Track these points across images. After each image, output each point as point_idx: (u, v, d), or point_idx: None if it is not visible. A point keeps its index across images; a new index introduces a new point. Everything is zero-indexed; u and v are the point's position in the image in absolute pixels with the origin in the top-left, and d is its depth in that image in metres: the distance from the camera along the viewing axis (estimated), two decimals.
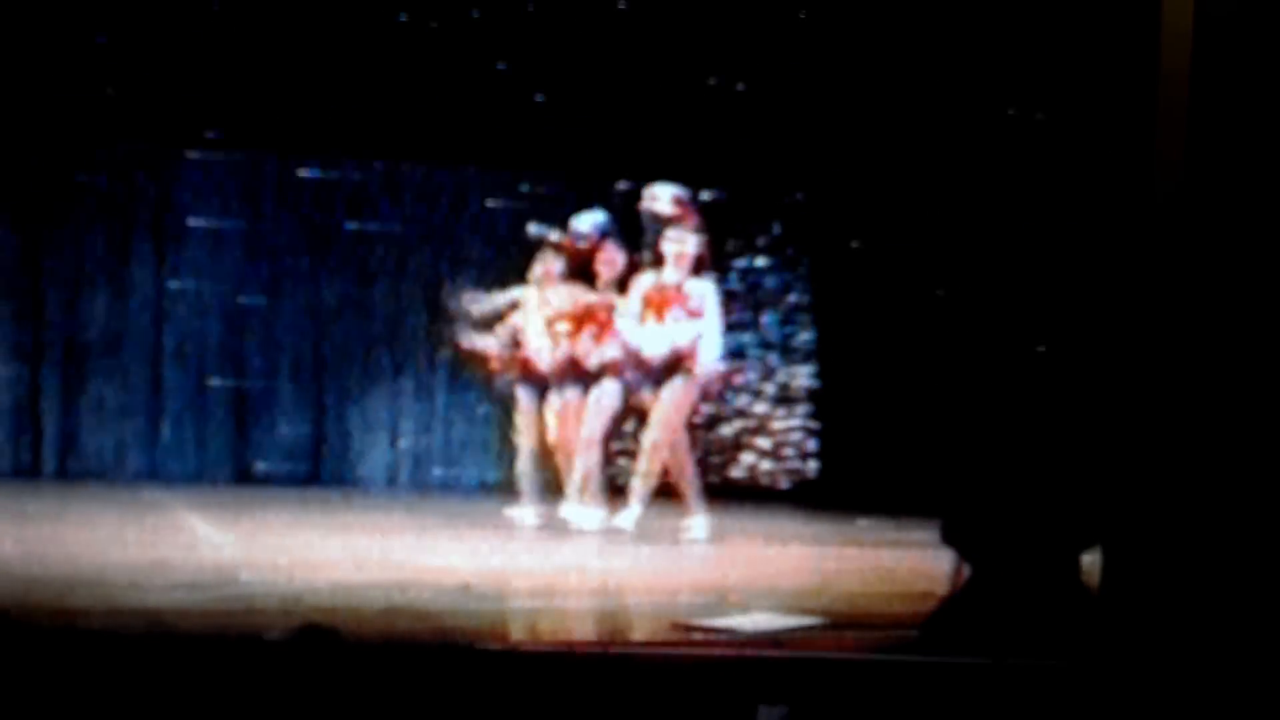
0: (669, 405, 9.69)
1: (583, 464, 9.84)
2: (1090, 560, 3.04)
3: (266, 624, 6.44)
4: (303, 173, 11.55)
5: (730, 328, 12.05)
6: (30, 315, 11.56)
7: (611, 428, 9.92)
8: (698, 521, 9.74)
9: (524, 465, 10.11)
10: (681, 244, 9.69)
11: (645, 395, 9.77)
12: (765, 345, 11.92)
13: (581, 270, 10.11)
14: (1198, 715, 4.24)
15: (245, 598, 7.03)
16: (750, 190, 11.60)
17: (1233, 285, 4.97)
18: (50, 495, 10.66)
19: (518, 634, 6.70)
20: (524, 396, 10.16)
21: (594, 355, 9.91)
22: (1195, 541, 4.82)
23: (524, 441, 10.16)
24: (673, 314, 9.70)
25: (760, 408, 11.81)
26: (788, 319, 11.82)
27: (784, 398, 11.79)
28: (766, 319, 11.94)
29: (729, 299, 11.99)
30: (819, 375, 11.52)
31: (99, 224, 11.69)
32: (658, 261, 9.75)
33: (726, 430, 12.02)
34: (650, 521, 9.96)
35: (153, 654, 5.57)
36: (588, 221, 10.09)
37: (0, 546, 8.29)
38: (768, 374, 11.82)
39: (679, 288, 9.71)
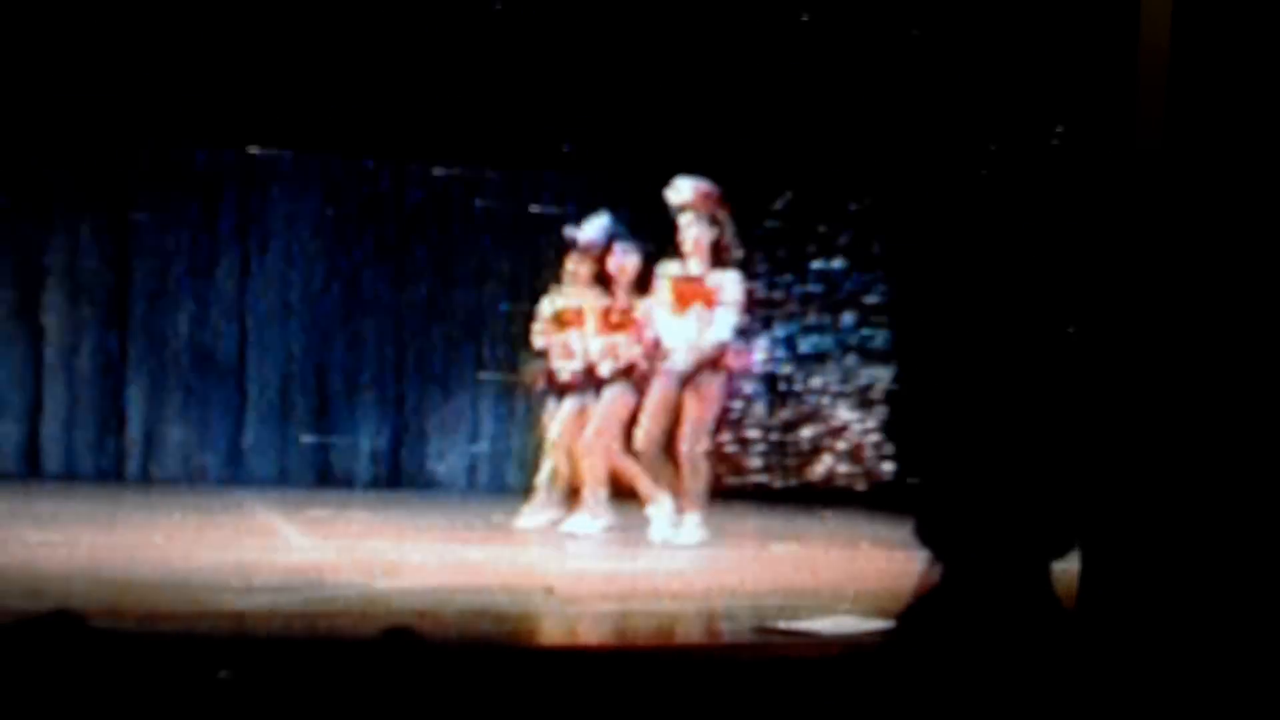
0: (704, 403, 9.48)
1: (590, 468, 9.76)
2: (1062, 568, 3.01)
3: (350, 627, 6.47)
4: (384, 179, 11.63)
5: (808, 329, 12.05)
6: (116, 322, 11.69)
7: (620, 433, 9.79)
8: (691, 520, 9.63)
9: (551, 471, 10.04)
10: (695, 232, 9.47)
11: (673, 394, 9.50)
12: (843, 347, 11.88)
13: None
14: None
15: (328, 600, 7.04)
16: (827, 194, 11.59)
17: (1218, 283, 4.92)
18: (135, 498, 10.79)
19: (600, 637, 6.71)
20: (553, 403, 10.15)
21: (608, 359, 9.82)
22: (1177, 545, 4.78)
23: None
24: (695, 309, 9.50)
25: (838, 411, 11.78)
26: (865, 320, 11.78)
27: (863, 401, 11.74)
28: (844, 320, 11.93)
29: (807, 301, 12.00)
30: (895, 378, 11.45)
31: (184, 232, 11.82)
32: (680, 252, 9.58)
33: (805, 433, 12.00)
34: (725, 524, 9.97)
35: (237, 657, 5.59)
36: (594, 227, 10.00)
37: (88, 550, 8.37)
38: (846, 376, 11.78)
39: (702, 280, 9.52)
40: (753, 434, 12.39)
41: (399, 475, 11.75)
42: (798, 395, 12.23)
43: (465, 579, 8.15)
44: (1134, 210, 5.04)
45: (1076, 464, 3.10)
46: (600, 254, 9.92)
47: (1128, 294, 5.03)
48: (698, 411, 9.47)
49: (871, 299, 11.81)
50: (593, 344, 9.88)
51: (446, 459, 11.96)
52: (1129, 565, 4.77)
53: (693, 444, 9.50)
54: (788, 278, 12.15)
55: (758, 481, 12.45)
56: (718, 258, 9.52)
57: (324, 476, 12.18)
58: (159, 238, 11.82)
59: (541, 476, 10.00)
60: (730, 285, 9.51)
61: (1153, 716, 2.95)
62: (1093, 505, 4.85)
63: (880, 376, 11.67)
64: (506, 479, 12.06)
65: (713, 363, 9.47)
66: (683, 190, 9.54)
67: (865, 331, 11.86)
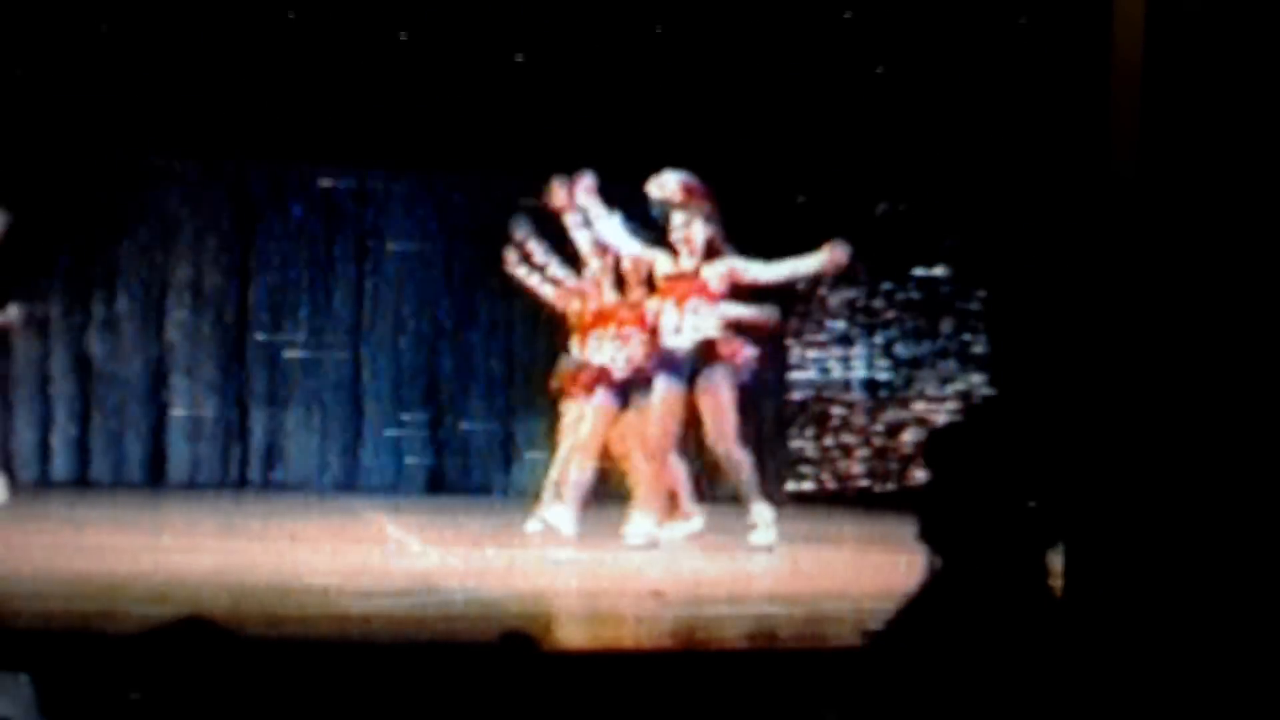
0: (722, 401, 9.29)
1: (654, 473, 9.52)
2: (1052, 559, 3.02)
3: (465, 631, 6.60)
4: (493, 197, 11.74)
5: (908, 335, 12.06)
6: (238, 336, 11.91)
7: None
8: (695, 522, 9.54)
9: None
10: (687, 229, 9.26)
11: (680, 392, 9.31)
12: (942, 353, 11.86)
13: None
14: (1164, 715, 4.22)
15: (444, 605, 7.16)
16: (925, 201, 11.60)
17: (1199, 280, 4.91)
18: (256, 506, 10.97)
19: (712, 639, 6.76)
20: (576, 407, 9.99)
21: (619, 359, 9.69)
22: (1161, 541, 4.78)
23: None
24: (692, 304, 9.30)
25: (938, 417, 11.77)
26: (964, 326, 11.75)
27: (962, 406, 11.72)
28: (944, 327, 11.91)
29: (907, 307, 12.01)
30: (992, 383, 11.40)
31: (303, 249, 12.02)
32: (671, 249, 9.37)
33: (906, 438, 12.00)
34: (826, 529, 9.98)
35: (355, 661, 5.73)
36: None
37: (212, 556, 8.56)
38: (945, 381, 11.77)
39: (695, 274, 9.30)
40: (853, 439, 12.43)
41: (508, 483, 11.89)
42: (898, 400, 12.24)
43: (577, 583, 8.28)
44: (1115, 211, 5.05)
45: (1066, 455, 3.13)
46: (616, 253, 9.70)
47: (1113, 293, 5.04)
48: (711, 409, 9.30)
49: (970, 305, 11.80)
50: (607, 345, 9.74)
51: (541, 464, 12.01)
52: (1113, 560, 4.78)
53: (723, 442, 9.35)
54: (888, 284, 12.18)
55: (859, 486, 12.45)
56: (709, 252, 9.32)
57: (437, 484, 12.35)
58: (279, 255, 12.04)
59: (554, 477, 9.87)
60: (721, 279, 9.30)
61: (1139, 709, 2.96)
62: (1077, 499, 4.84)
63: (978, 382, 11.65)
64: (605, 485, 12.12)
65: (709, 357, 9.29)
66: (667, 185, 9.35)
67: (965, 337, 11.84)
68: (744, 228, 12.03)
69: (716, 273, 9.29)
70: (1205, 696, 4.37)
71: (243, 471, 12.04)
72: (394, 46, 10.44)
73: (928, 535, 2.96)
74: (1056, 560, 3.03)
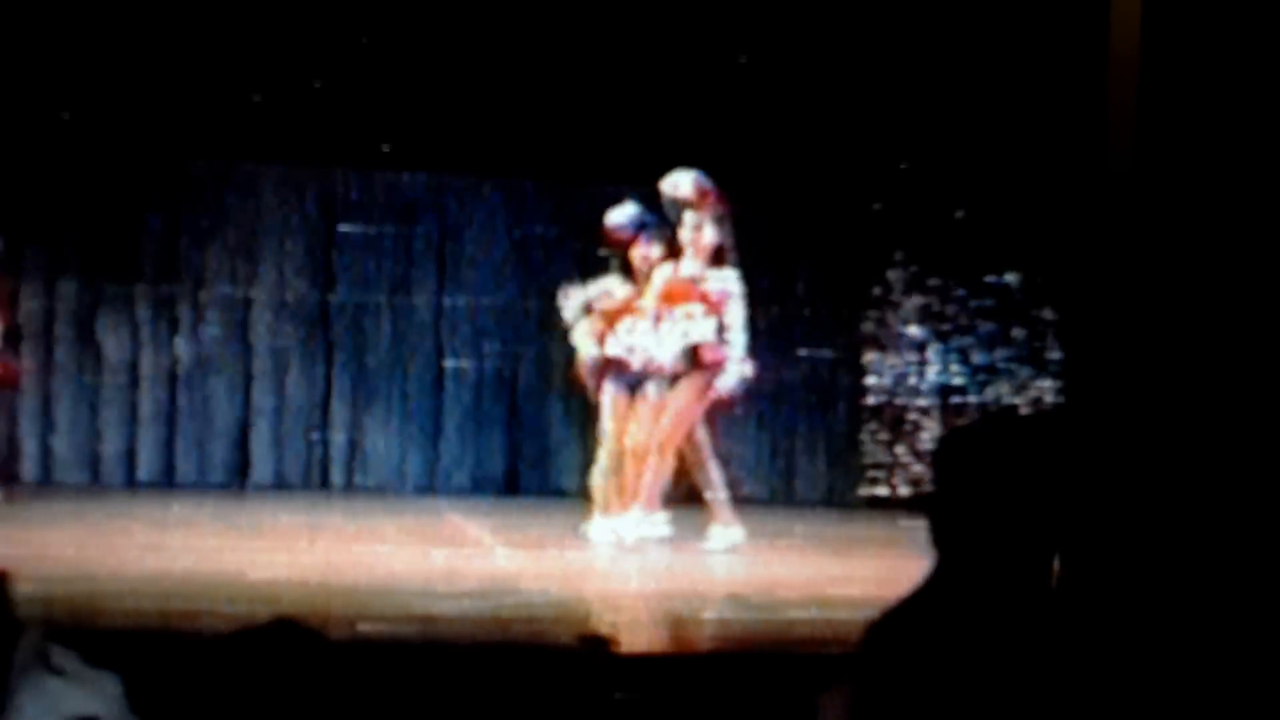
0: (681, 405, 9.17)
1: (664, 466, 9.40)
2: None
3: (545, 633, 6.66)
4: (574, 199, 11.80)
5: (981, 341, 12.03)
6: (321, 338, 12.03)
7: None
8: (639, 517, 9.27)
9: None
10: (697, 230, 9.12)
11: (657, 393, 9.25)
12: (1016, 359, 11.83)
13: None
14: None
15: (525, 606, 7.21)
16: (1001, 207, 11.57)
17: (1198, 281, 4.89)
18: (339, 507, 11.09)
19: (790, 641, 6.77)
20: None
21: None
22: (1158, 542, 4.76)
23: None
24: (686, 308, 9.16)
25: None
26: (1037, 333, 11.71)
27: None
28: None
29: (980, 313, 11.99)
30: (1063, 391, 11.35)
31: (385, 251, 12.13)
32: (678, 251, 9.25)
33: None
34: (904, 534, 9.98)
35: (438, 661, 5.80)
36: (622, 213, 9.58)
37: (293, 557, 8.66)
38: (1019, 388, 11.73)
39: (697, 280, 9.16)
40: (927, 445, 12.43)
41: (588, 484, 11.93)
42: (972, 406, 12.21)
43: (655, 585, 8.32)
44: (1111, 216, 5.03)
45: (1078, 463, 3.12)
46: (627, 243, 9.56)
47: (1109, 296, 5.02)
48: (674, 405, 9.18)
49: (1044, 313, 11.76)
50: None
51: None
52: (1110, 564, 4.77)
53: (663, 435, 9.17)
54: (961, 290, 12.17)
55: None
56: (717, 258, 9.19)
57: (515, 485, 12.43)
58: (361, 257, 12.16)
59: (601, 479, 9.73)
60: (732, 289, 9.18)
61: (1135, 711, 2.95)
62: (1074, 503, 4.81)
63: (1050, 388, 11.61)
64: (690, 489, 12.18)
65: (694, 362, 9.16)
66: (682, 185, 9.20)
67: (1037, 344, 11.81)
68: (826, 235, 12.11)
69: (717, 284, 9.18)
70: (1206, 697, 4.37)
71: (325, 474, 12.17)
72: (476, 53, 10.53)
73: (936, 538, 2.97)
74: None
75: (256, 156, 11.74)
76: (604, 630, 6.45)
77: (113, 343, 11.85)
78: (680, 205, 9.21)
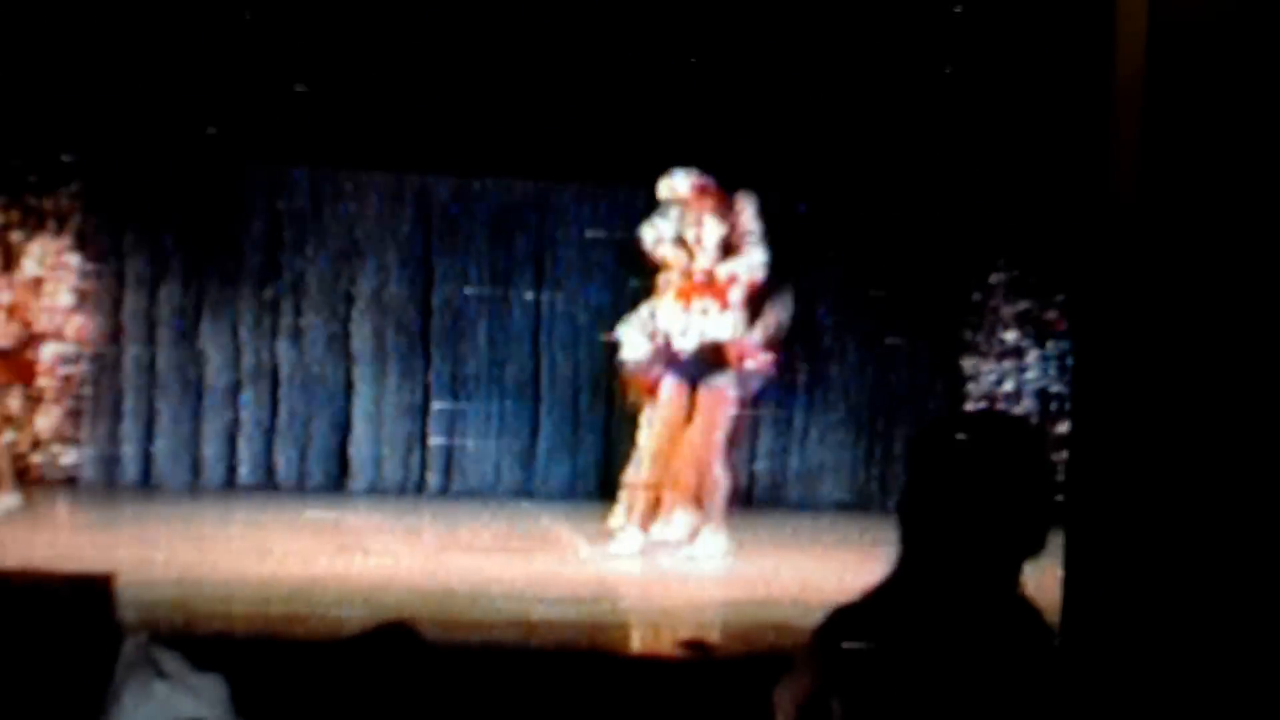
0: (712, 405, 9.06)
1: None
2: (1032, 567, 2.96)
3: (641, 639, 6.65)
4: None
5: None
6: (420, 344, 12.09)
7: None
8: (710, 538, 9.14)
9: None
10: (699, 228, 9.07)
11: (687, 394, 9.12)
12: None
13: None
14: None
15: (620, 612, 7.20)
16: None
17: (1196, 283, 4.84)
18: (436, 511, 11.13)
19: None
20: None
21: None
22: (1163, 545, 4.71)
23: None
24: (701, 304, 9.08)
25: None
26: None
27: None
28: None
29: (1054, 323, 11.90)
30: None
31: (482, 257, 12.18)
32: (686, 250, 9.16)
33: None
34: None
35: (532, 667, 5.80)
36: (654, 230, 9.48)
37: (392, 560, 8.71)
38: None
39: (708, 275, 9.09)
40: None
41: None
42: (1070, 412, 12.10)
43: (749, 592, 8.29)
44: (1114, 218, 5.01)
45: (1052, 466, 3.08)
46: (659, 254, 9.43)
47: (1110, 298, 4.99)
48: (706, 414, 9.07)
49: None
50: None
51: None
52: (1114, 568, 4.72)
53: (706, 455, 9.06)
54: (1060, 295, 12.08)
55: None
56: (725, 254, 9.10)
57: (610, 491, 12.43)
58: (460, 261, 12.20)
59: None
60: (739, 281, 9.07)
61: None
62: (1077, 506, 4.78)
63: None
64: (785, 494, 12.16)
65: (719, 361, 9.07)
66: (678, 185, 9.19)
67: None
68: (925, 240, 12.04)
69: (727, 274, 9.08)
70: (1207, 698, 4.31)
71: (422, 477, 12.23)
72: (577, 56, 10.56)
73: (904, 534, 2.92)
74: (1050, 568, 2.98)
75: (358, 163, 11.82)
76: (701, 637, 6.44)
77: (214, 345, 11.96)
78: (680, 205, 9.21)
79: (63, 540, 9.08)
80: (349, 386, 12.13)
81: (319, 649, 4.93)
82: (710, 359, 9.10)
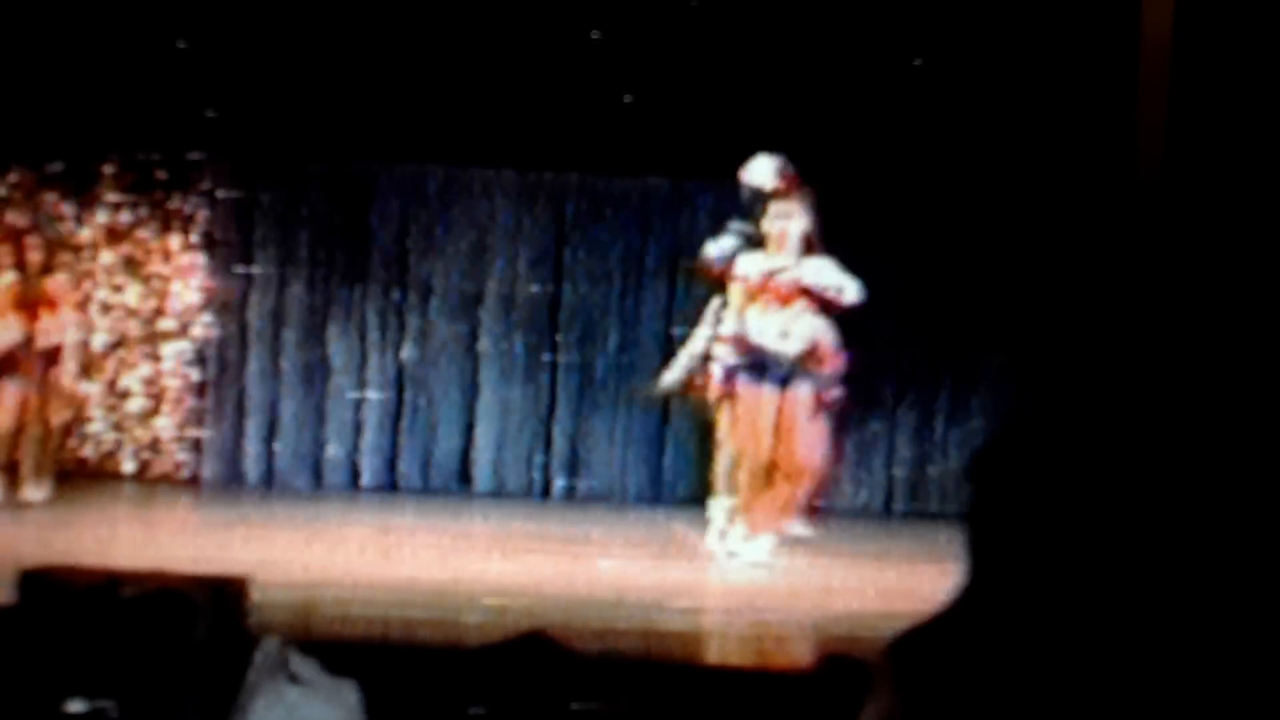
0: (811, 408, 8.86)
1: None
2: None
3: (781, 652, 6.51)
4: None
5: None
6: (548, 347, 12.00)
7: None
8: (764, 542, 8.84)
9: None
10: (785, 220, 8.66)
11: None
12: None
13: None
14: None
15: (758, 624, 7.07)
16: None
17: (1220, 286, 4.69)
18: (560, 516, 11.00)
19: None
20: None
21: None
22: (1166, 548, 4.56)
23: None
24: (797, 307, 8.73)
25: None
26: None
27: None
28: None
29: None
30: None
31: (614, 260, 12.06)
32: (763, 243, 8.78)
33: None
34: None
35: (672, 679, 5.67)
36: (717, 246, 9.12)
37: (521, 566, 8.59)
38: None
39: (791, 274, 8.70)
40: None
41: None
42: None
43: (884, 605, 8.07)
44: (1131, 220, 4.95)
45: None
46: (720, 275, 9.14)
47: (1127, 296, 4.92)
48: (805, 417, 8.84)
49: None
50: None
51: (863, 482, 11.84)
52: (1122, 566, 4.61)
53: (805, 451, 8.82)
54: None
55: None
56: (807, 248, 8.75)
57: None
58: (590, 263, 12.06)
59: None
60: (821, 278, 8.71)
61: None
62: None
63: None
64: (928, 503, 11.87)
65: (809, 364, 8.83)
66: (764, 174, 8.81)
67: None
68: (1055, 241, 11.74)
69: (813, 274, 8.74)
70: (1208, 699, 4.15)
71: (546, 481, 12.11)
72: (711, 54, 10.47)
73: (974, 551, 2.85)
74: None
75: (487, 162, 11.75)
76: (845, 649, 6.24)
77: (340, 346, 11.89)
78: (763, 196, 8.84)
79: (185, 542, 9.01)
80: (474, 389, 12.04)
81: (454, 656, 4.80)
82: (801, 362, 8.83)
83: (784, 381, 8.86)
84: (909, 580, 8.64)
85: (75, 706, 4.24)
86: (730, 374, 9.02)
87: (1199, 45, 4.88)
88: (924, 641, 2.83)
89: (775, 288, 8.76)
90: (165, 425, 11.68)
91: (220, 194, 11.71)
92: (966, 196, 11.35)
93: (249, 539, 9.01)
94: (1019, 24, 10.12)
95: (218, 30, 10.84)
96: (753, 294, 8.79)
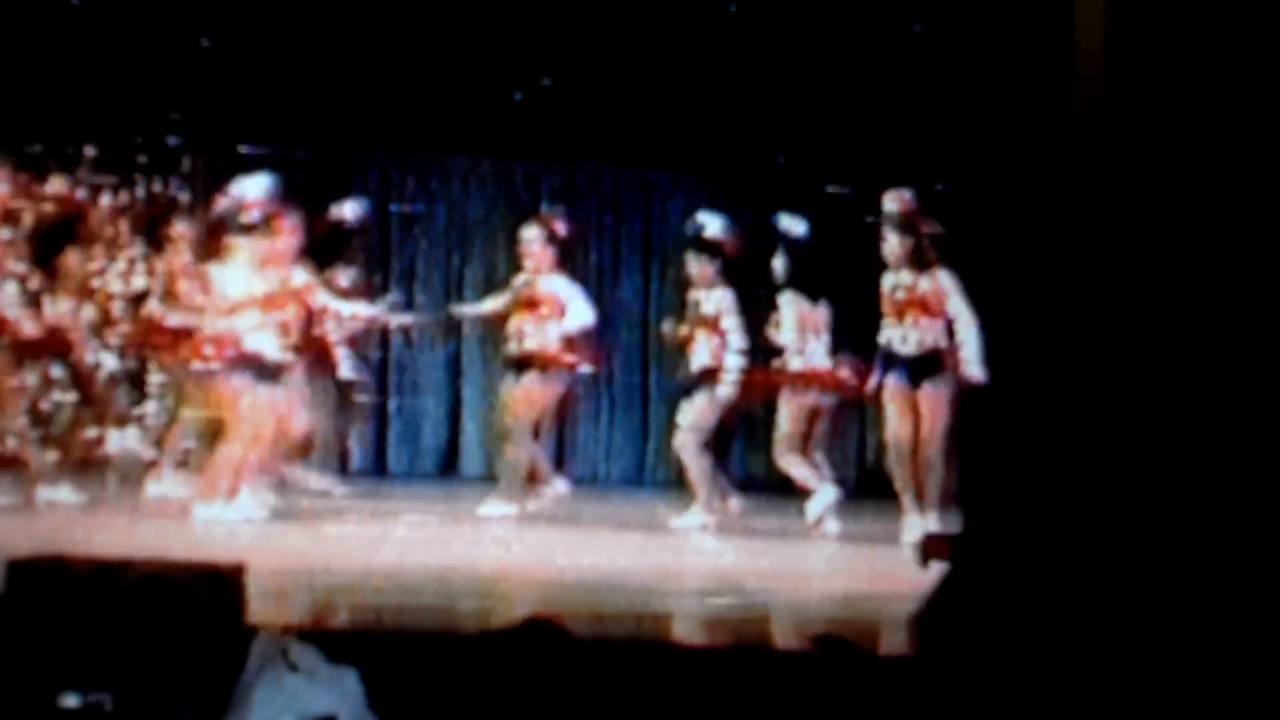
0: (941, 405, 9.31)
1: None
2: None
3: (777, 634, 6.49)
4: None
5: None
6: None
7: None
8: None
9: None
10: (903, 240, 9.39)
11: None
12: None
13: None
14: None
15: (755, 606, 7.05)
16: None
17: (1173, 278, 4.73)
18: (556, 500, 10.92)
19: None
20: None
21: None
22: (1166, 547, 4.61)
23: None
24: (911, 317, 9.40)
25: None
26: None
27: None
28: None
29: None
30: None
31: (590, 248, 12.05)
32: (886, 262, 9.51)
33: None
34: None
35: (659, 661, 5.65)
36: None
37: (506, 550, 8.58)
38: None
39: (916, 288, 9.40)
40: None
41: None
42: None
43: (885, 587, 8.06)
44: (1079, 212, 4.96)
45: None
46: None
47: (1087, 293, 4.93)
48: (934, 415, 9.31)
49: None
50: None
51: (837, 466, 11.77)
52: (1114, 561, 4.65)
53: (939, 450, 9.27)
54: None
55: None
56: (923, 263, 9.40)
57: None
58: None
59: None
60: (945, 291, 9.37)
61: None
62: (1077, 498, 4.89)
63: None
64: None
65: (937, 365, 9.35)
66: (904, 199, 9.51)
67: None
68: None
69: (937, 288, 9.38)
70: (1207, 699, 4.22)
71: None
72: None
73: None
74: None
75: (466, 151, 11.76)
76: (839, 631, 6.22)
77: (440, 339, 12.00)
78: (889, 219, 9.53)
79: (181, 530, 8.92)
80: (457, 375, 12.04)
81: (455, 643, 4.75)
82: (929, 363, 9.37)
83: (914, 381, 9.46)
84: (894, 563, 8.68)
85: (70, 701, 4.18)
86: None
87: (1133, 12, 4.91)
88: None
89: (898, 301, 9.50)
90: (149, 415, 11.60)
91: (199, 185, 11.63)
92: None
93: (249, 529, 8.90)
94: None
95: (198, 19, 10.78)
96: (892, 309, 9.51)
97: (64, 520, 8.40)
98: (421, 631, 5.68)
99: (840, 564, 8.90)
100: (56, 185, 9.86)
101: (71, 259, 9.71)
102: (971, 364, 9.21)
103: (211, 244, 9.44)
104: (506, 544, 8.78)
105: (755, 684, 5.43)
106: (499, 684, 3.77)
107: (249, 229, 9.08)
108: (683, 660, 5.62)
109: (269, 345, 9.08)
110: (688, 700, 5.25)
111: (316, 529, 8.87)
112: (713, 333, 9.75)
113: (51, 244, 9.55)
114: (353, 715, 4.22)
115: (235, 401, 8.92)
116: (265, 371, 9.02)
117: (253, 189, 9.21)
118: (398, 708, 4.26)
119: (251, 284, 9.05)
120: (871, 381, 9.59)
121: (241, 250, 9.05)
